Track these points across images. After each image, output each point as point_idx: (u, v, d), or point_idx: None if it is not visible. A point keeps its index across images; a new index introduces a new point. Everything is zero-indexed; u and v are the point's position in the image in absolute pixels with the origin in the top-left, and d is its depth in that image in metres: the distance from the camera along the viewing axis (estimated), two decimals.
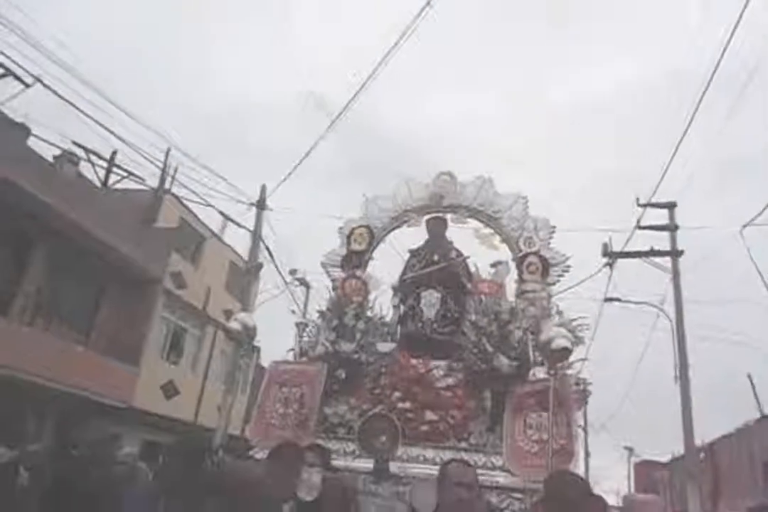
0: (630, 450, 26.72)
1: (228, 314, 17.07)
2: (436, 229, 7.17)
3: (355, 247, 7.14)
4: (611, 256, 13.06)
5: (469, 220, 7.20)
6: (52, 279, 13.36)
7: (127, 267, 14.79)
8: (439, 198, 7.21)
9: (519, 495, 4.84)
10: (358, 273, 6.69)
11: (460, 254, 7.00)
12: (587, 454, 23.28)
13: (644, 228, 13.02)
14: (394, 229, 7.43)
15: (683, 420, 11.22)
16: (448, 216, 7.26)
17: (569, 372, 5.69)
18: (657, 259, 12.84)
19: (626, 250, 13.12)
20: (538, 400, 5.19)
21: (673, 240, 12.67)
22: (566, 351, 4.71)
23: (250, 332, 5.43)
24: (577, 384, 5.68)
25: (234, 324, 5.35)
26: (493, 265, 6.40)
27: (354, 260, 7.05)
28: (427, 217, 7.26)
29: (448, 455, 5.07)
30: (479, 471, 5.04)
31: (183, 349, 17.08)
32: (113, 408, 14.21)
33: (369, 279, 6.65)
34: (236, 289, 17.15)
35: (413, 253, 7.16)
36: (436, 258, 6.89)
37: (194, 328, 17.43)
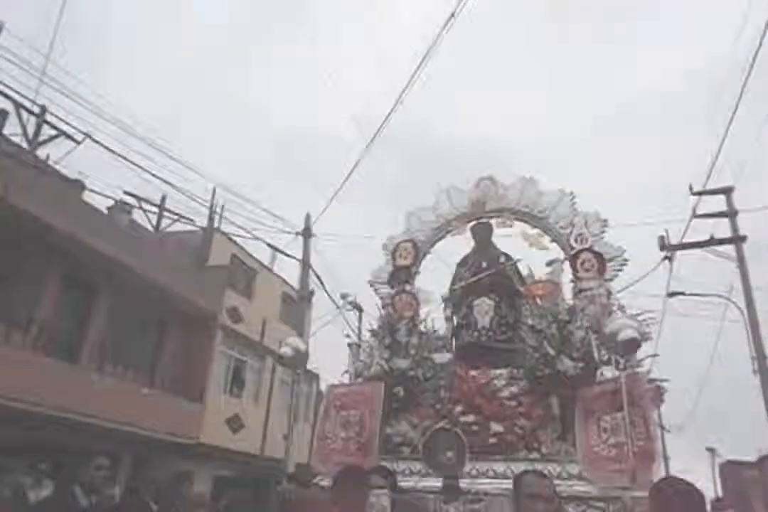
0: (712, 450, 24.92)
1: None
2: (482, 235, 6.99)
3: (401, 262, 7.02)
4: (669, 248, 12.47)
5: (516, 222, 7.01)
6: (115, 323, 13.80)
7: (184, 307, 15.14)
8: (481, 203, 7.05)
9: (600, 504, 4.52)
10: (407, 288, 6.56)
11: (509, 258, 6.79)
12: (666, 458, 21.98)
13: (701, 216, 12.43)
14: (438, 240, 7.29)
15: None
16: (493, 221, 7.08)
17: (639, 369, 5.36)
18: (719, 248, 12.18)
19: (684, 241, 12.51)
20: (610, 401, 4.88)
21: (734, 225, 12.02)
22: (635, 342, 4.41)
23: (302, 356, 5.35)
24: (651, 381, 5.32)
25: (285, 349, 5.28)
26: (549, 264, 6.16)
27: (401, 275, 6.93)
28: (471, 224, 7.10)
29: (519, 467, 4.79)
30: (555, 481, 4.77)
31: (244, 382, 17.24)
32: (182, 446, 14.40)
33: (418, 293, 6.51)
34: (290, 318, 17.28)
35: (461, 262, 6.99)
36: (484, 265, 6.70)
37: (253, 360, 17.62)
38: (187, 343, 15.57)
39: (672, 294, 13.54)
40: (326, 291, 15.26)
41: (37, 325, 11.71)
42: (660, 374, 5.72)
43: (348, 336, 9.71)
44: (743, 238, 11.99)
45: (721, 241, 12.23)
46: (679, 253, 13.12)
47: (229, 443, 15.46)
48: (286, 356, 5.23)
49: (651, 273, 12.40)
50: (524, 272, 6.49)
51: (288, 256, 14.84)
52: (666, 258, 12.83)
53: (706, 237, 12.46)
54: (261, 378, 17.90)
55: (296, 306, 15.24)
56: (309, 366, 14.96)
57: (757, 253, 12.47)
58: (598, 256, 6.30)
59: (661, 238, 12.71)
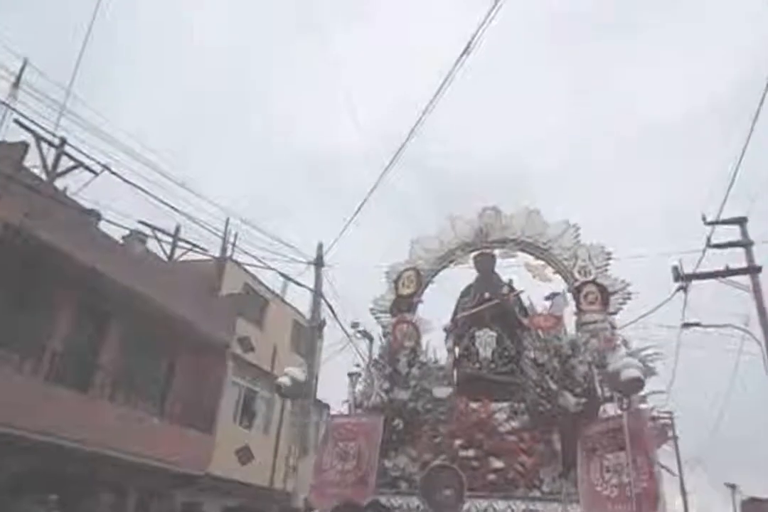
0: (732, 487, 23.92)
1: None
2: (484, 265, 6.98)
3: (404, 290, 7.02)
4: (684, 279, 12.25)
5: (519, 253, 6.98)
6: (127, 352, 13.86)
7: (196, 336, 15.18)
8: (484, 234, 7.06)
9: None
10: (408, 317, 6.53)
11: (512, 289, 6.74)
12: (684, 493, 21.21)
13: (716, 246, 12.22)
14: (441, 269, 7.28)
15: None
16: (496, 251, 7.06)
17: (644, 406, 5.22)
18: (734, 278, 11.94)
19: (698, 271, 12.30)
20: (613, 439, 4.74)
21: (750, 255, 11.81)
22: (638, 382, 4.30)
23: (299, 387, 5.32)
24: (654, 419, 5.18)
25: (284, 379, 5.25)
26: (548, 298, 6.10)
27: (403, 304, 6.91)
28: (474, 253, 7.09)
29: (519, 506, 4.68)
30: None
31: (255, 412, 17.11)
32: (191, 477, 14.26)
33: (420, 322, 6.47)
34: (301, 348, 17.22)
35: (464, 292, 6.96)
36: (487, 295, 6.67)
37: (264, 391, 17.50)
38: (198, 372, 15.56)
39: (687, 325, 13.25)
40: (339, 322, 15.18)
41: (50, 354, 11.81)
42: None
43: (358, 366, 9.62)
44: (758, 269, 11.76)
45: (736, 271, 12.00)
46: (694, 283, 12.90)
47: (238, 474, 15.27)
48: (285, 386, 5.20)
49: (667, 304, 12.18)
50: (527, 303, 6.43)
51: (300, 285, 14.86)
52: (680, 288, 12.59)
53: (722, 266, 12.24)
54: (272, 408, 17.76)
55: (307, 336, 15.19)
56: (319, 396, 14.84)
57: None
58: (602, 288, 6.25)
59: (675, 268, 12.51)
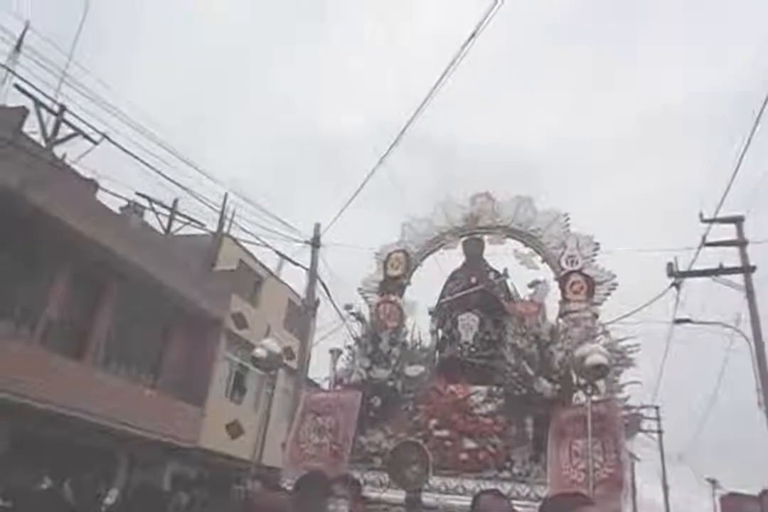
0: (713, 482, 24.34)
1: (288, 352, 17.26)
2: (473, 250, 7.02)
3: (392, 272, 7.05)
4: (677, 275, 12.31)
5: (508, 240, 7.01)
6: (122, 323, 13.99)
7: (190, 310, 15.31)
8: (474, 219, 7.07)
9: None
10: (393, 298, 6.58)
11: (498, 275, 6.78)
12: (666, 487, 21.57)
13: (711, 244, 12.25)
14: (431, 252, 7.31)
15: None
16: (485, 237, 7.09)
17: (619, 395, 5.30)
18: (728, 277, 11.99)
19: (692, 268, 12.34)
20: (584, 425, 4.80)
21: (744, 255, 11.84)
22: (602, 368, 4.36)
23: (276, 359, 5.40)
24: (628, 408, 5.25)
25: (259, 351, 5.33)
26: (531, 285, 6.13)
27: (391, 285, 6.95)
28: (463, 238, 7.12)
29: (488, 486, 4.74)
30: (522, 502, 4.73)
31: (246, 389, 17.30)
32: (182, 449, 14.47)
33: (404, 304, 6.53)
34: (295, 327, 17.34)
35: (450, 276, 7.01)
36: (473, 280, 6.71)
37: (256, 367, 17.68)
38: (191, 347, 15.73)
39: (678, 322, 13.34)
40: (333, 302, 15.25)
41: (45, 321, 11.93)
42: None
43: (349, 348, 9.71)
44: (752, 268, 11.80)
45: (730, 270, 12.05)
46: (689, 280, 12.93)
47: (227, 449, 15.47)
48: (261, 358, 5.28)
49: (662, 299, 12.25)
50: (512, 290, 6.47)
51: (296, 264, 14.89)
52: (673, 285, 12.65)
53: (714, 266, 12.28)
54: (262, 385, 17.94)
55: (301, 315, 15.28)
56: (311, 375, 14.99)
57: (766, 284, 12.23)
58: (588, 278, 6.27)
59: (670, 264, 12.57)
